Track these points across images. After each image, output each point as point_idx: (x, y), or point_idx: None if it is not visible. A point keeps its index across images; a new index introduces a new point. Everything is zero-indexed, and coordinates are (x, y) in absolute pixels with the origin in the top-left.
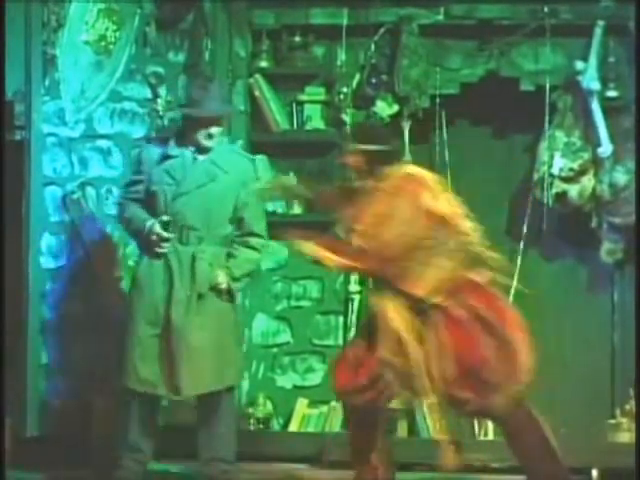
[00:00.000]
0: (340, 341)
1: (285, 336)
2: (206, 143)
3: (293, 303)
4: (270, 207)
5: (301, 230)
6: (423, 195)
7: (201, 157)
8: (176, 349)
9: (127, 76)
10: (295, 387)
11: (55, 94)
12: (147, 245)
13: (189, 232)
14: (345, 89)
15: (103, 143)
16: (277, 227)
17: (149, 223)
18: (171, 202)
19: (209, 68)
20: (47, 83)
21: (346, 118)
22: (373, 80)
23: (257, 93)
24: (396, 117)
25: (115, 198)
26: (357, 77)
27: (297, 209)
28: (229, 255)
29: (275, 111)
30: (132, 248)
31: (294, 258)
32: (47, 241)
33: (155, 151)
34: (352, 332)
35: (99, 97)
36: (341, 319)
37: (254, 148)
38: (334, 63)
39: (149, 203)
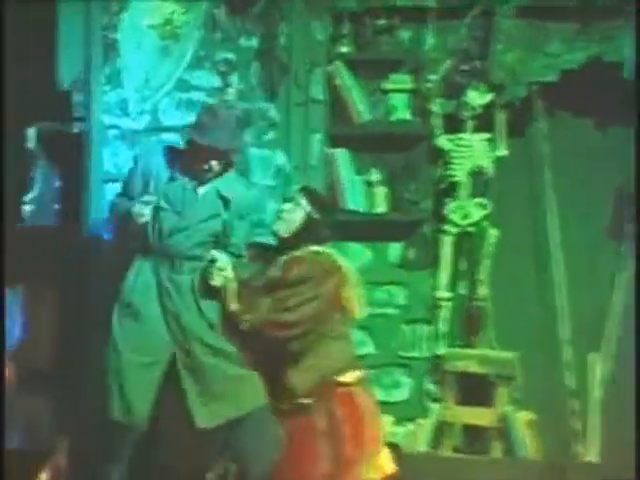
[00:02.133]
0: (428, 353)
1: (367, 347)
2: (202, 175)
3: (376, 311)
4: (352, 206)
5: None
6: (345, 289)
7: (202, 188)
8: (186, 382)
9: (195, 63)
10: (380, 403)
11: (117, 83)
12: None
13: (184, 262)
14: (433, 76)
15: (169, 136)
16: (359, 227)
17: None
18: (167, 235)
19: (284, 54)
20: (108, 71)
21: (434, 108)
22: (464, 67)
23: (337, 81)
24: (489, 107)
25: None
26: (447, 63)
27: (381, 207)
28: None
29: (357, 101)
30: None
31: (378, 261)
32: None
33: (164, 167)
34: (441, 342)
35: (165, 86)
36: (429, 328)
37: (333, 141)
38: (421, 48)
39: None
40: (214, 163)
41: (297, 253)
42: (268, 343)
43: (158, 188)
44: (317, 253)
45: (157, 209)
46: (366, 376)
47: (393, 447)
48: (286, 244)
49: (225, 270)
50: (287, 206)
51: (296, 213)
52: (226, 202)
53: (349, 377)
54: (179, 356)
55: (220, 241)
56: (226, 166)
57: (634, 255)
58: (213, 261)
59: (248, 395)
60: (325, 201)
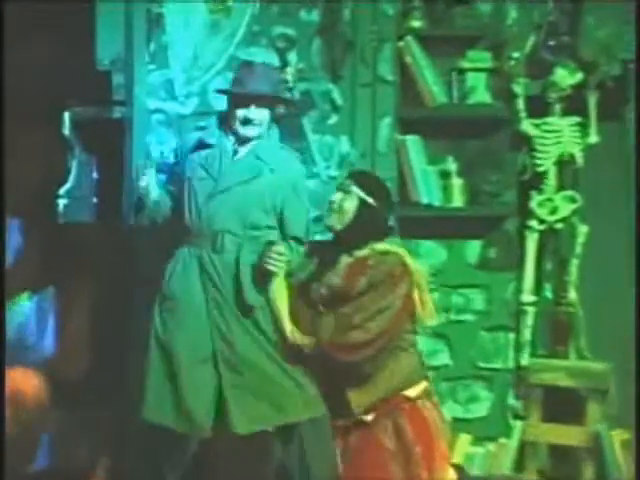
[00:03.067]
0: (511, 363)
1: (443, 357)
2: (244, 131)
3: (453, 317)
4: (425, 199)
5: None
6: (414, 294)
7: (242, 149)
8: (225, 377)
9: (249, 39)
10: (456, 420)
11: (162, 62)
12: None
13: (225, 237)
14: (517, 54)
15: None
16: (432, 223)
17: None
18: (204, 202)
19: (349, 29)
20: (152, 49)
21: (518, 89)
22: (551, 42)
23: (408, 59)
24: (579, 88)
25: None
26: (532, 39)
27: (457, 201)
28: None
29: (430, 81)
30: None
31: (454, 261)
32: None
33: (191, 134)
34: (525, 352)
35: (215, 65)
36: (512, 336)
37: (404, 126)
38: (503, 22)
39: (175, 197)
40: (254, 112)
41: (359, 254)
42: (332, 364)
43: (191, 158)
44: (383, 254)
45: (190, 182)
46: (431, 387)
47: (457, 469)
48: (343, 239)
49: (284, 255)
50: (337, 195)
51: (348, 202)
52: (270, 169)
53: (416, 390)
54: (220, 350)
55: (267, 212)
56: (270, 122)
57: None
58: (271, 243)
59: (297, 402)
60: (380, 185)
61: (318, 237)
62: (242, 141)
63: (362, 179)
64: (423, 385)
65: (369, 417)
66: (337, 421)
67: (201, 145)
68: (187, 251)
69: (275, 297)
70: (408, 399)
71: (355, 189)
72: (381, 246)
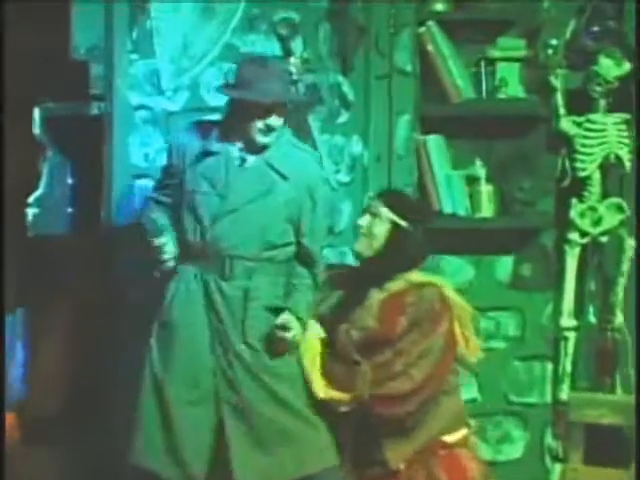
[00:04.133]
0: (548, 398)
1: (470, 390)
2: (262, 139)
3: (482, 344)
4: (448, 208)
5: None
6: (457, 332)
7: (250, 158)
8: (229, 424)
9: (247, 25)
10: (486, 463)
11: (147, 51)
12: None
13: (234, 263)
14: (555, 41)
15: (214, 119)
16: (457, 236)
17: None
18: (210, 223)
19: (361, 13)
20: (135, 35)
21: (556, 82)
22: (595, 28)
23: (430, 47)
24: (626, 80)
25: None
26: (572, 24)
27: (486, 210)
28: (288, 290)
29: (455, 73)
30: None
31: (482, 280)
32: None
33: (195, 143)
34: (565, 385)
35: (208, 55)
36: (549, 367)
37: (425, 125)
38: (539, 5)
39: (178, 215)
40: (274, 121)
41: (393, 288)
42: (371, 419)
43: (192, 168)
44: (419, 286)
45: (192, 195)
46: (473, 432)
47: None
48: (373, 268)
49: (293, 329)
50: (365, 219)
51: (378, 226)
52: (283, 177)
53: (456, 436)
54: (222, 391)
55: (285, 228)
56: (280, 129)
57: None
58: (282, 327)
59: (315, 451)
60: (415, 206)
61: (327, 250)
62: (252, 149)
63: (393, 200)
64: (464, 432)
65: (401, 465)
66: (365, 471)
67: (204, 153)
68: (192, 271)
69: (301, 352)
70: (445, 445)
71: (385, 211)
72: (416, 277)
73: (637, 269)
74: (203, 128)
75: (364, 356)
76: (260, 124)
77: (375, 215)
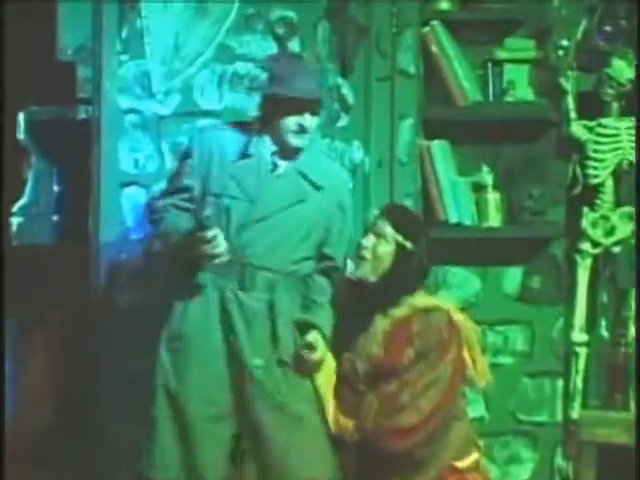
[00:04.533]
0: (558, 416)
1: (478, 408)
2: (295, 141)
3: (489, 359)
4: (454, 217)
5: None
6: (464, 353)
7: (282, 163)
8: (249, 440)
9: (242, 25)
10: None
11: (137, 52)
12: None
13: (256, 274)
14: (565, 42)
15: (207, 123)
16: (463, 247)
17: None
18: (237, 231)
19: (362, 12)
20: (125, 35)
21: (566, 85)
22: (607, 28)
23: (435, 48)
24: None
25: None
26: (583, 24)
27: (493, 219)
28: (306, 306)
29: (461, 75)
30: None
31: (489, 292)
32: None
33: (225, 144)
34: (576, 403)
35: (201, 56)
36: (560, 383)
37: (429, 129)
38: (549, 4)
39: (200, 221)
40: (308, 120)
41: (398, 314)
42: (376, 453)
43: (220, 171)
44: (426, 312)
45: (218, 199)
46: (482, 458)
47: None
48: (376, 292)
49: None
50: (369, 240)
51: (382, 246)
52: (316, 187)
53: (467, 461)
54: (239, 408)
55: (315, 241)
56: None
57: None
58: (309, 346)
59: (314, 468)
60: (415, 222)
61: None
62: (285, 153)
63: (397, 217)
64: (475, 456)
65: None
66: None
67: (243, 155)
68: (209, 279)
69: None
70: (456, 470)
71: (391, 231)
72: (421, 301)
73: (637, 267)
74: (233, 129)
75: (369, 385)
76: (293, 125)
77: (380, 236)
